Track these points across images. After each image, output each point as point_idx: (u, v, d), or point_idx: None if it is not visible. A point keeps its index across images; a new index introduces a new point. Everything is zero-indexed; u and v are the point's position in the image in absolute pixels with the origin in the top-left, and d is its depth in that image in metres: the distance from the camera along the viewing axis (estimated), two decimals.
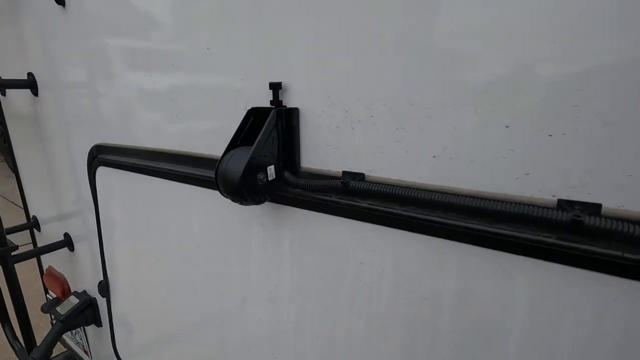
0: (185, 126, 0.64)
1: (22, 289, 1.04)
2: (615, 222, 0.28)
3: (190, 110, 0.61)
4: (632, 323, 0.30)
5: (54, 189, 1.11)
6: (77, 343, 1.32)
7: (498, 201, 0.33)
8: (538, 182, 0.32)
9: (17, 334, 1.25)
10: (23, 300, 1.04)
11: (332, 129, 0.45)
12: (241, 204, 0.47)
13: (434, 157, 0.38)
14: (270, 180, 0.46)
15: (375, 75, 0.40)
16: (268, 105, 0.47)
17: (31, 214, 1.27)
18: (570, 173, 0.31)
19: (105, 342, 1.14)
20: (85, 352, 1.28)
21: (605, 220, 0.29)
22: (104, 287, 0.91)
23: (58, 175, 1.05)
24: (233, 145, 0.46)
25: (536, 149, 0.32)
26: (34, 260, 1.30)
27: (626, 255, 0.28)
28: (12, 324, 1.12)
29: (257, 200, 0.46)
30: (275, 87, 0.46)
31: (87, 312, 1.08)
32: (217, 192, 0.49)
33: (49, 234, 1.22)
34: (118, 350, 0.94)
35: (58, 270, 1.28)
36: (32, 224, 1.25)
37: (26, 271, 1.38)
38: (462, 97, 0.35)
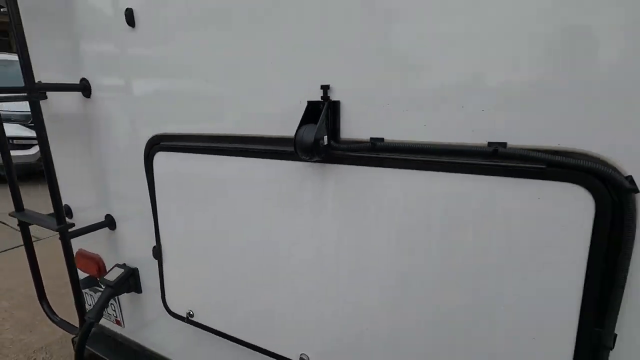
0: (243, 115, 0.90)
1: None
2: (514, 150, 0.60)
3: (252, 104, 0.87)
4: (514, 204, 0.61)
5: (94, 180, 1.30)
6: (108, 316, 1.48)
7: (462, 146, 0.64)
8: (478, 134, 0.64)
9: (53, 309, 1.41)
10: (77, 271, 1.22)
11: (360, 113, 0.74)
12: (309, 160, 0.74)
13: (425, 125, 0.68)
14: (324, 145, 0.74)
15: (384, 83, 0.70)
16: (319, 99, 0.76)
17: (64, 203, 1.43)
18: (494, 130, 0.62)
19: (143, 308, 1.34)
20: (118, 322, 1.46)
21: (508, 149, 0.60)
22: (157, 251, 1.13)
23: (103, 166, 1.24)
24: (301, 124, 0.74)
25: (476, 118, 0.63)
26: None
27: (527, 165, 0.59)
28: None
29: (318, 158, 0.74)
30: (325, 87, 0.74)
31: (131, 281, 1.28)
32: (269, 161, 0.77)
33: (81, 219, 1.39)
34: (168, 305, 1.16)
35: (88, 252, 1.45)
36: (66, 211, 1.41)
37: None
38: (436, 93, 0.66)
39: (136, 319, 1.39)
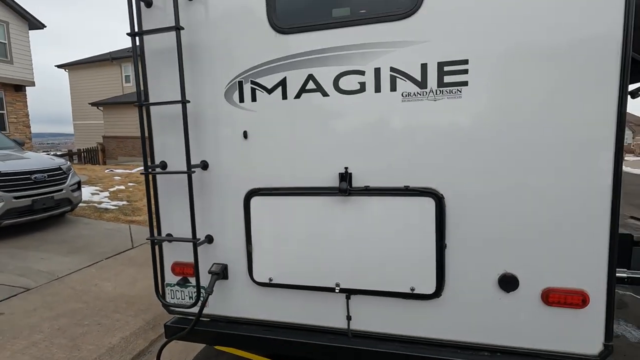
0: (296, 178, 2.05)
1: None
2: (413, 188, 1.88)
3: (305, 172, 2.03)
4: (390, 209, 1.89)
5: (200, 214, 2.26)
6: (181, 300, 2.35)
7: (397, 188, 1.91)
8: (402, 183, 1.91)
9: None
10: (198, 269, 2.15)
11: (360, 175, 1.97)
12: (344, 195, 1.94)
13: (388, 179, 1.94)
14: (349, 189, 1.95)
15: (369, 163, 1.95)
16: (344, 171, 1.97)
17: (164, 233, 2.33)
18: (407, 181, 1.91)
19: (228, 290, 2.27)
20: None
21: (412, 188, 1.89)
22: (249, 249, 2.15)
23: (207, 208, 2.23)
24: (340, 181, 1.94)
25: (400, 178, 1.91)
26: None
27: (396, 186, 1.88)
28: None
29: (346, 194, 1.94)
30: (346, 168, 1.97)
31: (226, 272, 2.25)
32: (315, 197, 1.96)
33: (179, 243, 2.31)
34: (255, 278, 2.16)
35: (183, 261, 2.34)
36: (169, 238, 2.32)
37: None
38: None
39: (219, 301, 2.31)
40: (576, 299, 1.75)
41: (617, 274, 1.86)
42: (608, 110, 1.63)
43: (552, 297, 1.78)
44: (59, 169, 6.00)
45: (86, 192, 7.70)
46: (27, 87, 15.85)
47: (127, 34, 2.07)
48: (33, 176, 5.48)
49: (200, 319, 2.35)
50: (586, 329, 1.77)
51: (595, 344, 1.76)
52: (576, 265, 1.75)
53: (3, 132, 14.54)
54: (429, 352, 1.94)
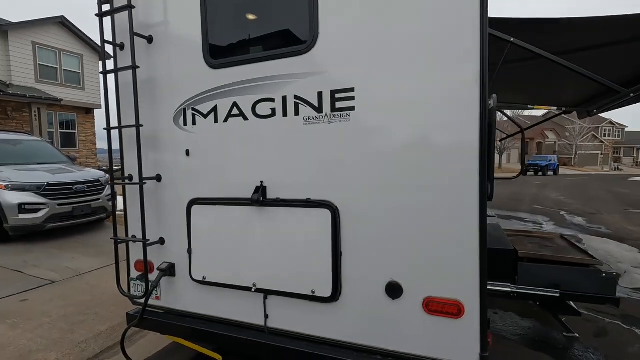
0: (225, 190, 2.37)
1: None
2: (312, 200, 2.12)
3: (231, 185, 2.36)
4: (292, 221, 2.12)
5: (154, 219, 2.67)
6: (154, 294, 2.74)
7: (301, 200, 2.16)
8: (304, 195, 2.16)
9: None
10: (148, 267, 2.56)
11: (273, 189, 2.25)
12: (256, 205, 2.24)
13: (294, 194, 2.20)
14: (261, 200, 2.24)
15: (276, 178, 2.23)
16: (260, 184, 2.27)
17: (130, 234, 2.76)
18: (307, 194, 2.15)
19: (175, 286, 2.63)
20: (157, 297, 2.72)
21: (312, 200, 2.13)
22: (189, 250, 2.50)
23: (161, 214, 2.64)
24: (254, 193, 2.24)
25: (305, 193, 2.16)
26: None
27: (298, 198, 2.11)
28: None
29: (259, 204, 2.24)
30: (262, 182, 2.26)
31: (173, 269, 2.62)
32: (239, 207, 2.26)
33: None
34: (193, 276, 2.49)
35: (142, 259, 2.76)
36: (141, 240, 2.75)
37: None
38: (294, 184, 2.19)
39: (170, 293, 2.68)
40: (452, 309, 1.85)
41: (502, 288, 1.93)
42: (472, 131, 1.77)
43: (432, 306, 1.89)
44: (98, 181, 6.93)
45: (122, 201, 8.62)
46: (95, 110, 18.13)
47: (100, 72, 2.59)
48: (74, 187, 6.41)
49: (156, 310, 2.73)
50: (463, 338, 1.85)
51: (472, 354, 1.84)
52: (451, 277, 1.86)
53: (73, 148, 16.76)
54: (331, 353, 2.11)
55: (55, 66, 15.65)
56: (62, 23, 16.06)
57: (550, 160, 30.84)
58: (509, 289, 2.02)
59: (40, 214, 5.97)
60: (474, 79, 1.75)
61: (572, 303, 3.33)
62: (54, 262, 5.31)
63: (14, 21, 14.61)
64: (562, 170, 34.33)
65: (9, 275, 4.76)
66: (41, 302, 4.03)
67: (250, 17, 2.31)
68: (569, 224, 8.71)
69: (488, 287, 2.00)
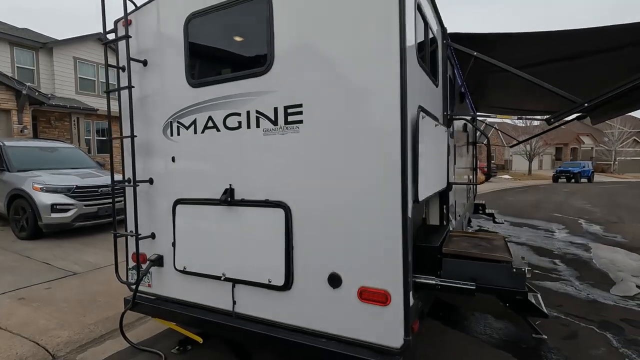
0: (202, 191, 2.74)
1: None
2: (269, 200, 2.44)
3: (206, 187, 2.72)
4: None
5: (147, 217, 3.09)
6: (146, 281, 3.15)
7: (260, 200, 2.49)
8: (263, 196, 2.49)
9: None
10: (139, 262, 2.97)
11: (239, 192, 2.60)
12: (225, 205, 2.59)
13: (254, 195, 2.54)
14: (229, 200, 2.59)
15: (242, 182, 2.57)
16: (228, 187, 2.62)
17: (129, 229, 3.20)
18: (265, 196, 2.48)
19: (163, 275, 3.03)
20: (149, 285, 3.13)
21: (269, 200, 2.45)
22: (174, 243, 2.89)
23: (153, 212, 3.05)
24: (223, 194, 2.60)
25: (262, 193, 2.49)
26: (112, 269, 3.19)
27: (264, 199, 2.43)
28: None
29: (227, 204, 2.59)
30: (231, 185, 2.61)
31: (161, 260, 3.01)
32: (212, 206, 2.61)
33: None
34: (176, 267, 2.87)
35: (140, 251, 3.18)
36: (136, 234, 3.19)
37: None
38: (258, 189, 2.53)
39: (159, 281, 3.08)
40: (381, 297, 2.10)
41: (427, 281, 2.17)
42: (393, 145, 2.03)
43: (365, 295, 2.16)
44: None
45: None
46: None
47: (104, 91, 3.05)
48: (100, 189, 7.08)
49: (149, 296, 3.14)
50: (390, 324, 2.10)
51: (397, 338, 2.08)
52: (379, 269, 2.11)
53: (108, 154, 18.00)
54: (285, 335, 2.41)
55: (93, 78, 16.97)
56: (100, 39, 17.42)
57: (584, 167, 29.35)
58: (434, 282, 2.23)
59: (69, 214, 6.66)
60: (395, 102, 2.01)
61: (543, 307, 3.44)
62: (78, 256, 5.93)
63: (58, 38, 16.06)
64: (598, 178, 32.57)
65: (39, 267, 5.39)
66: (62, 290, 4.58)
67: (222, 44, 2.69)
68: (583, 232, 8.48)
69: (417, 280, 2.24)
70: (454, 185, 3.75)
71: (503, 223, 8.79)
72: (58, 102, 13.51)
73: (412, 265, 2.13)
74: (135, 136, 2.94)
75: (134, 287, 3.04)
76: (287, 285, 2.41)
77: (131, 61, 2.91)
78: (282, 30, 2.36)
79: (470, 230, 8.84)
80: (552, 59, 4.02)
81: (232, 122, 2.59)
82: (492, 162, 35.36)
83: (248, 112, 2.51)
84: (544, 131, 9.19)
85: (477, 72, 4.14)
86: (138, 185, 2.96)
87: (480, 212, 8.79)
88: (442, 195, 3.46)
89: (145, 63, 2.98)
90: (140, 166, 3.01)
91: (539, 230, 8.78)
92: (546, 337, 3.34)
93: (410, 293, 2.08)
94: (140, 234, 2.99)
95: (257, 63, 2.49)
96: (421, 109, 2.24)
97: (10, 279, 4.86)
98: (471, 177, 7.55)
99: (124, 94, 3.07)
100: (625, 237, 8.02)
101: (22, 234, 6.71)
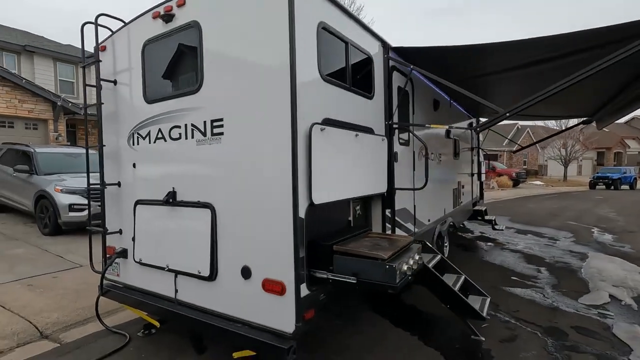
0: (153, 193, 3.16)
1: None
2: (199, 202, 2.81)
3: (157, 190, 3.14)
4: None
5: (117, 215, 3.57)
6: (113, 270, 3.62)
7: (193, 202, 2.87)
8: (196, 198, 2.86)
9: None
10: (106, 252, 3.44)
11: (180, 194, 2.99)
12: (169, 205, 2.99)
13: (199, 197, 2.92)
14: (171, 202, 2.99)
15: (183, 184, 2.96)
16: (172, 190, 3.02)
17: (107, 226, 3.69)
18: (198, 198, 2.85)
19: (127, 266, 3.48)
20: (117, 275, 3.60)
21: (198, 202, 2.82)
22: (133, 238, 3.33)
23: (121, 211, 3.52)
24: (166, 196, 3.00)
25: (198, 196, 2.86)
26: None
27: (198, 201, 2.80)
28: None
29: (171, 205, 2.99)
30: (174, 188, 3.01)
31: (125, 253, 3.47)
32: (160, 206, 3.03)
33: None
34: (135, 258, 3.31)
35: (109, 245, 3.66)
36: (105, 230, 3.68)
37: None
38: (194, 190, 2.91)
39: (125, 271, 3.53)
40: (278, 288, 2.40)
41: (319, 275, 2.44)
42: (284, 159, 2.34)
43: (267, 285, 2.46)
44: None
45: None
46: None
47: (80, 107, 3.57)
48: None
49: (118, 284, 3.61)
50: (285, 311, 2.38)
51: (290, 325, 2.36)
52: (277, 263, 2.41)
53: None
54: (212, 321, 2.74)
55: None
56: (80, 63, 18.83)
57: (625, 173, 27.39)
58: (326, 276, 2.48)
59: (85, 213, 7.42)
60: (286, 118, 2.32)
61: (485, 310, 3.55)
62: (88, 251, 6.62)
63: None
64: None
65: (53, 259, 6.11)
66: (66, 279, 5.22)
67: (169, 66, 3.11)
68: (589, 242, 8.17)
69: (313, 274, 2.52)
70: (417, 190, 3.96)
71: (503, 230, 8.65)
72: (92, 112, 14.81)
73: (306, 260, 2.41)
74: (105, 145, 3.43)
75: (99, 274, 3.51)
76: (212, 276, 2.75)
77: (104, 81, 3.41)
78: (208, 55, 2.73)
79: (470, 236, 8.75)
80: (506, 69, 4.11)
81: (175, 133, 3.00)
82: (524, 167, 33.94)
83: (186, 125, 2.91)
84: (542, 139, 8.99)
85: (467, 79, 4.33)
86: (106, 187, 3.44)
87: (479, 218, 8.72)
88: (387, 199, 3.67)
89: (115, 82, 3.47)
90: (113, 171, 3.49)
91: (543, 238, 8.54)
92: (484, 339, 3.45)
93: (303, 285, 2.36)
94: (109, 230, 3.47)
95: (192, 83, 2.88)
96: (328, 121, 2.52)
97: (26, 269, 5.58)
98: (464, 182, 7.56)
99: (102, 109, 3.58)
100: (634, 247, 7.65)
101: (46, 230, 7.56)
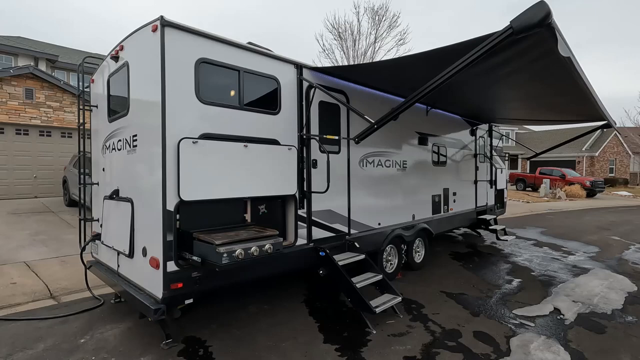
0: (108, 190, 4.13)
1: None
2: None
3: (110, 187, 4.11)
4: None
5: (97, 207, 4.66)
6: (94, 251, 4.72)
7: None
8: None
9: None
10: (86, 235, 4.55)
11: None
12: (111, 200, 3.95)
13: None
14: (115, 197, 3.93)
15: (124, 185, 3.88)
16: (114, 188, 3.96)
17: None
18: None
19: (99, 247, 4.54)
20: (96, 253, 4.68)
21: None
22: (101, 225, 4.38)
23: (98, 204, 4.60)
24: (110, 196, 3.96)
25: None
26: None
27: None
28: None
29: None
30: (117, 188, 3.96)
31: (99, 237, 4.54)
32: (111, 200, 3.99)
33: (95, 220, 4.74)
34: (101, 240, 4.35)
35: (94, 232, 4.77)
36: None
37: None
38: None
39: (99, 251, 4.60)
40: (154, 263, 3.14)
41: (186, 257, 3.14)
42: (158, 159, 3.08)
43: (151, 262, 3.22)
44: None
45: None
46: None
47: (77, 124, 4.77)
48: None
49: (97, 261, 4.70)
50: (158, 282, 3.11)
51: (160, 292, 3.09)
52: (156, 245, 3.16)
53: None
54: (133, 291, 3.59)
55: None
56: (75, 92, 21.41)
57: None
58: (188, 257, 3.13)
59: None
60: (158, 133, 3.07)
61: (387, 305, 3.85)
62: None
63: None
64: None
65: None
66: (70, 263, 6.63)
67: (118, 96, 4.09)
68: (608, 258, 7.37)
69: (183, 255, 3.20)
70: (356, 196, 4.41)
71: (507, 240, 8.24)
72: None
73: (176, 243, 3.11)
74: (89, 152, 4.56)
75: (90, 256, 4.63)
76: (131, 254, 3.60)
77: (88, 105, 4.56)
78: (132, 86, 3.62)
79: (480, 245, 8.48)
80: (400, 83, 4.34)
81: (119, 145, 3.95)
82: (611, 175, 29.62)
83: (124, 139, 3.84)
84: (551, 148, 8.38)
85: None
86: (87, 185, 4.56)
87: (483, 227, 8.47)
88: (299, 201, 4.17)
89: (97, 106, 4.60)
90: (94, 173, 4.62)
91: (557, 251, 7.94)
92: (375, 332, 3.75)
93: (171, 262, 3.07)
94: (89, 218, 4.59)
95: (125, 108, 3.80)
96: (206, 135, 3.22)
97: (68, 249, 7.15)
98: (456, 189, 7.51)
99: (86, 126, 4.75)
100: None
101: None
